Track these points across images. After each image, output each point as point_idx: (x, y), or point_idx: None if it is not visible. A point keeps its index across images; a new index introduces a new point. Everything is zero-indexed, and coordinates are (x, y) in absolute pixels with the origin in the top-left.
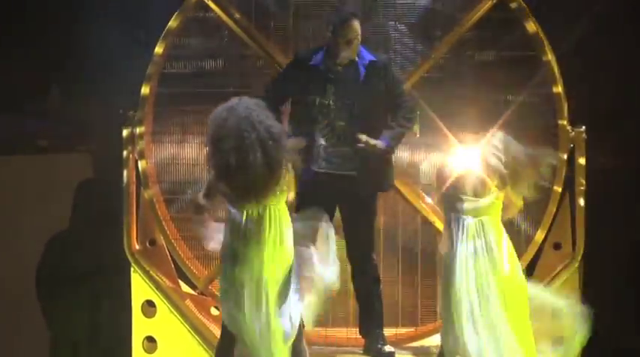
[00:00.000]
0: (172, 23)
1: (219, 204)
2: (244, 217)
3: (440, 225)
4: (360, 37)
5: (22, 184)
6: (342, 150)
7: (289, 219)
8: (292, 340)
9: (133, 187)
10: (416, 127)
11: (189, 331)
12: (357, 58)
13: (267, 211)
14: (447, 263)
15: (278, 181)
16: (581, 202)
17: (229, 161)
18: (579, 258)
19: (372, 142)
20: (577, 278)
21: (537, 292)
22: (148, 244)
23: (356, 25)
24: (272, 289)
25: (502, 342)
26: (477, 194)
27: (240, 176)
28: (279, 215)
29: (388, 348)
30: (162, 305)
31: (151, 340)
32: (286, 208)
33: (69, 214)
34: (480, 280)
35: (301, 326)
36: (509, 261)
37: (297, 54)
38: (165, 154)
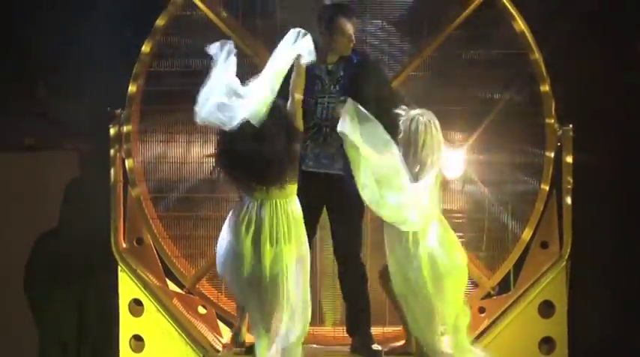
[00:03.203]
0: (160, 22)
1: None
2: (257, 207)
3: None
4: (353, 36)
5: (9, 183)
6: (329, 150)
7: (301, 215)
8: None
9: (120, 186)
10: None
11: (176, 330)
12: (345, 58)
13: (281, 204)
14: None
15: (293, 167)
16: (569, 200)
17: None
18: (566, 257)
19: None
20: (564, 277)
21: None
22: (135, 243)
23: (346, 21)
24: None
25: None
26: None
27: (259, 159)
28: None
29: (375, 346)
30: (149, 304)
31: (138, 339)
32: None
33: (56, 212)
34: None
35: None
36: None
37: None
38: (153, 153)
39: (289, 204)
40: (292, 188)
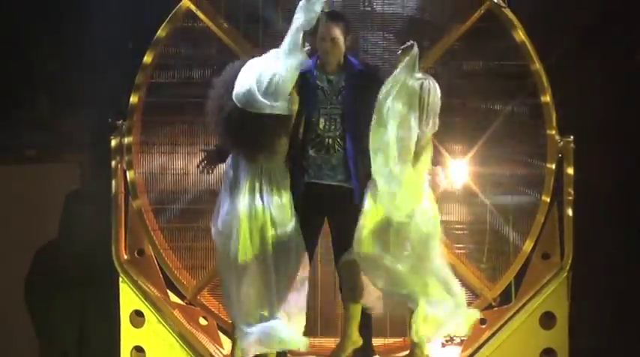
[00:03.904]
0: (161, 32)
1: None
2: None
3: None
4: (338, 40)
5: (10, 194)
6: (331, 161)
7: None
8: None
9: (122, 197)
10: None
11: (177, 341)
12: (346, 68)
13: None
14: None
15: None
16: (570, 212)
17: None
18: (567, 268)
19: None
20: (565, 288)
21: None
22: (136, 254)
23: (330, 25)
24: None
25: None
26: None
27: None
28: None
29: None
30: (150, 315)
31: (139, 350)
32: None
33: (57, 223)
34: None
35: None
36: None
37: None
38: (154, 164)
39: (276, 169)
40: (281, 158)
